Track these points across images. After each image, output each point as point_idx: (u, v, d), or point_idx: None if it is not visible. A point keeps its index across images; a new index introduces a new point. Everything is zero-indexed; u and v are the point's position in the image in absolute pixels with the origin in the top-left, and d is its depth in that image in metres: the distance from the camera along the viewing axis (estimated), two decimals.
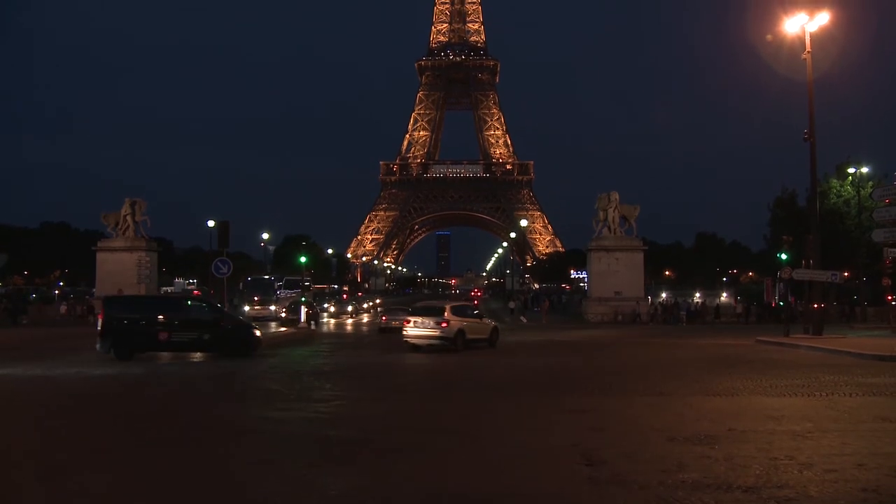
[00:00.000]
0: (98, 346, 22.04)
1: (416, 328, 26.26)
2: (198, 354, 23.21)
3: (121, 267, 50.35)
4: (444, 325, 25.73)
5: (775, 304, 51.32)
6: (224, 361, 21.78)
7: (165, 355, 23.19)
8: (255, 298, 51.05)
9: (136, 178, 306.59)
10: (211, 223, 50.89)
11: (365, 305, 72.23)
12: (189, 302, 27.31)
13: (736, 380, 17.09)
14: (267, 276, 59.27)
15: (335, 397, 15.42)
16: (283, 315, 43.43)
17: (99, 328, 22.21)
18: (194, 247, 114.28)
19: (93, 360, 21.66)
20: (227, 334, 22.85)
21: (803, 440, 10.10)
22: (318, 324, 42.23)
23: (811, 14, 30.55)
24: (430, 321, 26.11)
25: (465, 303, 39.12)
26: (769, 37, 32.60)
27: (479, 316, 29.51)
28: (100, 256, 52.18)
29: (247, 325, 25.27)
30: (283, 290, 53.71)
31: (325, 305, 60.21)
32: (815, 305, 32.98)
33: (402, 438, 10.84)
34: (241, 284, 57.74)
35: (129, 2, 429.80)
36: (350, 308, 63.04)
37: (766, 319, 48.92)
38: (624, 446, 9.97)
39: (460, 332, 25.88)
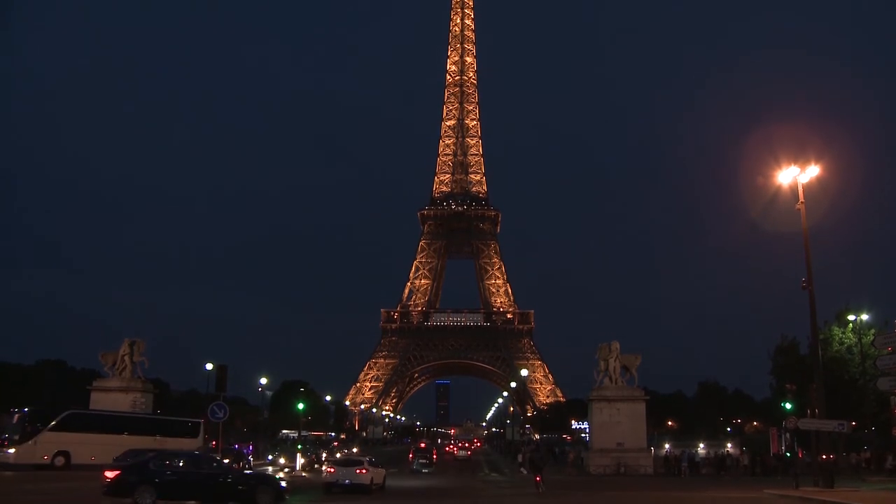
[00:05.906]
0: None
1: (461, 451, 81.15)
2: None
3: (115, 407, 48.84)
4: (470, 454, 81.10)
5: (782, 454, 49.98)
6: None
7: None
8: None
9: (135, 317, 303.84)
10: (209, 366, 50.49)
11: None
12: None
13: None
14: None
15: None
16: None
17: None
18: (191, 389, 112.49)
19: None
20: None
21: None
22: None
23: (803, 167, 31.68)
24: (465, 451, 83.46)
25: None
26: (760, 178, 33.67)
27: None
28: (94, 396, 51.22)
29: None
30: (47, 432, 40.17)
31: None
32: (824, 456, 32.14)
33: None
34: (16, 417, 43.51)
35: (132, 146, 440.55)
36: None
37: (773, 471, 47.45)
38: None
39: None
